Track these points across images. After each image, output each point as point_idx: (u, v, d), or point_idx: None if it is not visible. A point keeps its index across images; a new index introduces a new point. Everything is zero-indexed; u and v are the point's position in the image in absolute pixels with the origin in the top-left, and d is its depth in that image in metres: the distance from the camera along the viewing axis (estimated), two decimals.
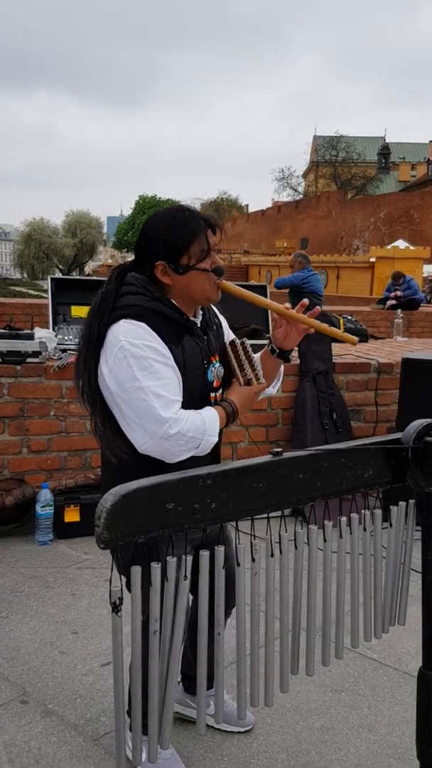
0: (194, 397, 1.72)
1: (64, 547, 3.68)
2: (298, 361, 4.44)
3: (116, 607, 0.96)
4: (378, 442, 1.09)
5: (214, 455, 1.79)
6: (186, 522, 0.89)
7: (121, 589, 1.01)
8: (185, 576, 1.08)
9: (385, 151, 66.52)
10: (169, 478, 0.88)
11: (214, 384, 1.80)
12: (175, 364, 1.65)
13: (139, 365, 1.58)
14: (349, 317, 6.53)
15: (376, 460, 1.07)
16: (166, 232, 1.65)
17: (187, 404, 1.68)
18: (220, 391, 1.83)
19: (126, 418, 1.63)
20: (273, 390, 2.03)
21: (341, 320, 6.17)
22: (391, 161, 66.76)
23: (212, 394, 1.79)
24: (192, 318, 1.75)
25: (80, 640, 2.74)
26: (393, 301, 11.32)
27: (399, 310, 7.95)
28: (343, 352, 5.02)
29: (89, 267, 58.04)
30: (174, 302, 1.70)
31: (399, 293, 11.56)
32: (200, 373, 1.74)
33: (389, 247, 27.51)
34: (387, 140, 69.68)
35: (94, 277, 7.06)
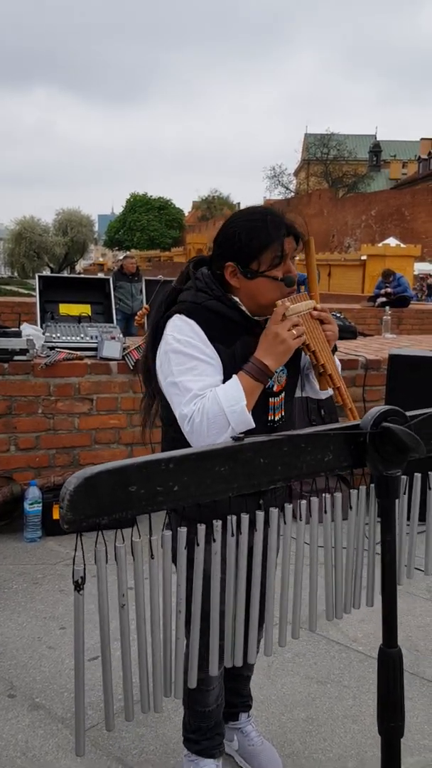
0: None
1: (53, 544, 3.69)
2: None
3: (78, 586, 0.99)
4: (337, 428, 1.12)
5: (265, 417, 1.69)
6: (148, 504, 0.92)
7: (84, 569, 1.04)
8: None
9: (376, 148, 66.71)
10: (132, 462, 0.91)
11: (274, 388, 1.70)
12: (219, 364, 1.60)
13: (177, 360, 1.58)
14: (338, 315, 6.55)
15: (336, 445, 1.10)
16: (242, 234, 1.60)
17: None
18: (282, 395, 1.73)
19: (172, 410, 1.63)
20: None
21: None
22: (382, 159, 66.97)
23: (271, 399, 1.69)
24: (258, 317, 1.66)
25: (68, 635, 2.76)
26: (383, 299, 11.39)
27: (387, 308, 8.00)
28: None
29: (80, 265, 57.98)
30: (238, 301, 1.64)
31: (389, 290, 11.63)
32: None
33: (380, 244, 27.62)
34: (378, 138, 69.86)
35: (83, 275, 7.07)
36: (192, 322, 1.60)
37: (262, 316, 1.66)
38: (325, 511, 1.17)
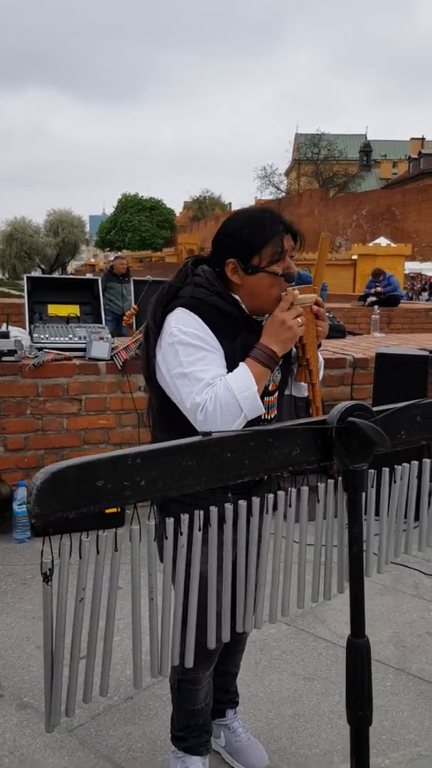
0: None
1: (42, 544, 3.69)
2: None
3: (47, 578, 1.01)
4: (304, 423, 1.14)
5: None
6: (116, 498, 0.93)
7: (52, 561, 1.05)
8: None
9: (366, 148, 66.88)
10: (99, 458, 0.93)
11: (270, 387, 1.72)
12: (223, 355, 1.62)
13: (185, 352, 1.59)
14: (327, 314, 6.59)
15: (303, 440, 1.12)
16: (242, 231, 1.64)
17: None
18: (276, 395, 1.77)
19: (179, 404, 1.63)
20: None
21: None
22: (373, 159, 67.14)
23: (266, 398, 1.70)
24: (257, 317, 1.69)
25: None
26: (373, 298, 11.43)
27: (376, 307, 8.03)
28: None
29: (72, 266, 57.89)
30: (238, 298, 1.67)
31: (379, 290, 11.68)
32: None
33: (371, 244, 27.70)
34: (368, 138, 70.05)
35: (71, 276, 7.07)
36: (197, 317, 1.62)
37: (260, 315, 1.69)
38: (290, 505, 1.19)
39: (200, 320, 1.61)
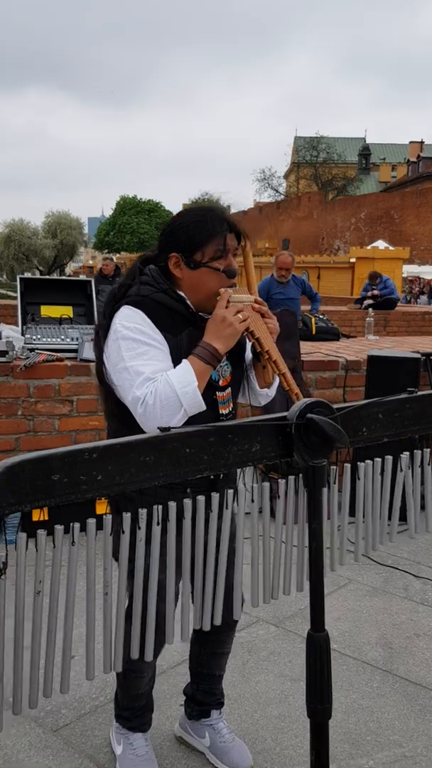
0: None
1: (32, 546, 3.69)
2: None
3: (0, 572, 1.02)
4: (263, 419, 1.15)
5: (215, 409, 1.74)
6: (72, 492, 0.94)
7: (7, 556, 1.06)
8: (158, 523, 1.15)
9: (365, 152, 66.98)
10: (55, 452, 0.94)
11: (220, 383, 1.76)
12: (168, 350, 1.66)
13: (126, 347, 1.63)
14: (321, 317, 6.60)
15: (263, 436, 1.12)
16: (187, 227, 1.69)
17: None
18: (229, 390, 1.79)
19: (123, 398, 1.67)
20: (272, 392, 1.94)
21: (313, 319, 6.24)
22: (372, 162, 67.24)
23: (217, 393, 1.75)
24: (202, 313, 1.72)
25: (42, 635, 2.76)
26: (370, 301, 11.45)
27: (371, 309, 8.04)
28: (313, 350, 5.09)
29: (70, 268, 57.87)
30: (183, 295, 1.72)
31: (376, 292, 11.69)
32: None
33: (369, 247, 27.72)
34: (367, 141, 70.16)
35: (63, 278, 7.08)
36: (139, 311, 1.67)
37: (204, 310, 1.72)
38: (253, 500, 1.19)
39: (144, 316, 1.66)
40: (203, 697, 2.15)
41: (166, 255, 1.72)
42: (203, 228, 1.68)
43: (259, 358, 1.77)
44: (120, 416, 1.71)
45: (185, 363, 1.61)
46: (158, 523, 1.13)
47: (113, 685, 2.45)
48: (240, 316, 1.63)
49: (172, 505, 1.16)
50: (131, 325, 1.65)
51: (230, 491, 1.22)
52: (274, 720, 2.34)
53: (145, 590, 1.22)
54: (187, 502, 1.20)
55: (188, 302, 1.72)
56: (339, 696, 2.47)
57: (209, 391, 1.69)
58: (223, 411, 1.77)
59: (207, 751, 2.14)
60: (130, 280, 1.76)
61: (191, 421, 1.61)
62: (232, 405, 1.80)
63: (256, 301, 1.72)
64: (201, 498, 1.18)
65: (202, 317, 1.72)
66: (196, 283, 1.70)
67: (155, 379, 1.59)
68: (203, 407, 1.60)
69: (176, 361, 1.64)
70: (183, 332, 1.68)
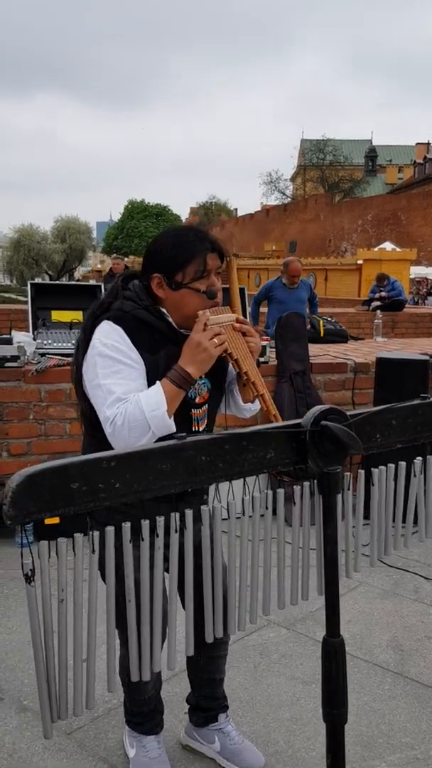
0: (175, 413, 1.70)
1: (44, 548, 3.72)
2: (275, 362, 4.51)
3: (29, 579, 1.03)
4: (278, 426, 1.16)
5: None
6: (91, 500, 0.96)
7: (32, 562, 1.08)
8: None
9: (371, 153, 66.90)
10: (74, 460, 0.95)
11: (196, 400, 1.78)
12: (143, 369, 1.68)
13: (102, 364, 1.65)
14: (329, 319, 6.61)
15: (278, 443, 1.14)
16: (168, 248, 1.71)
17: None
18: (206, 407, 1.82)
19: (98, 413, 1.69)
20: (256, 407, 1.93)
21: (321, 322, 6.25)
22: (378, 164, 67.14)
23: (193, 410, 1.78)
24: (184, 330, 1.73)
25: (57, 638, 2.78)
26: (377, 303, 11.43)
27: (379, 311, 8.03)
28: (321, 352, 5.10)
29: (79, 272, 58.03)
30: (164, 312, 1.73)
31: (384, 294, 11.68)
32: None
33: (376, 249, 27.70)
34: (373, 143, 70.08)
35: (73, 283, 7.11)
36: (118, 328, 1.68)
37: (187, 328, 1.72)
38: (266, 506, 1.21)
39: (123, 332, 1.67)
40: (207, 703, 2.16)
41: (149, 275, 1.74)
42: (184, 249, 1.69)
43: (239, 376, 1.78)
44: (92, 418, 1.73)
45: (157, 386, 1.63)
46: (129, 541, 1.13)
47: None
48: (216, 340, 1.64)
49: (145, 524, 1.18)
50: (109, 342, 1.66)
51: (204, 507, 1.23)
52: (286, 722, 2.35)
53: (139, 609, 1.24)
54: (160, 520, 1.21)
55: (170, 320, 1.74)
56: (351, 698, 2.45)
57: (185, 408, 1.72)
58: (198, 428, 1.80)
59: (217, 756, 2.13)
60: (111, 297, 1.77)
61: (163, 438, 1.60)
62: (207, 422, 1.83)
63: (237, 320, 1.73)
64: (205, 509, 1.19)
65: (183, 335, 1.73)
66: (178, 303, 1.71)
67: (126, 400, 1.61)
68: (172, 430, 1.61)
69: (153, 380, 1.66)
70: (161, 350, 1.70)
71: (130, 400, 1.61)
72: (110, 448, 1.59)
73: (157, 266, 1.72)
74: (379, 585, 3.38)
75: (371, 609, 3.14)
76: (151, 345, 1.69)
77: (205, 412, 1.82)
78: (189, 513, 1.17)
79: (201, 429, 1.81)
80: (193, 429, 1.79)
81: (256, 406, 1.89)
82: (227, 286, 1.88)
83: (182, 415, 1.69)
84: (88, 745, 2.21)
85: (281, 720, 2.36)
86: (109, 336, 1.67)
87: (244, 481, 1.18)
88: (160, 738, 2.10)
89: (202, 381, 1.78)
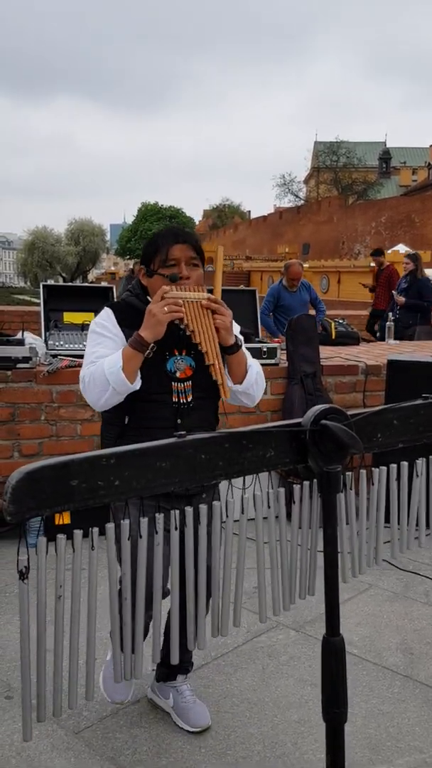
0: (154, 384, 2.00)
1: (53, 549, 3.73)
2: (286, 364, 4.50)
3: (23, 575, 1.04)
4: (278, 426, 1.16)
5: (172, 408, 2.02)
6: (90, 497, 0.96)
7: (28, 559, 1.08)
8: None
9: (385, 155, 66.65)
10: (74, 458, 0.96)
11: (177, 375, 2.03)
12: (122, 340, 1.99)
13: (90, 339, 2.06)
14: (341, 321, 6.57)
15: (278, 442, 1.14)
16: (146, 244, 2.09)
17: (147, 391, 1.98)
18: (189, 382, 2.03)
19: None
20: (241, 387, 2.10)
21: (333, 324, 6.23)
22: (392, 166, 66.87)
23: (174, 383, 2.02)
24: None
25: (65, 638, 2.79)
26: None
27: (390, 314, 7.99)
28: (333, 354, 5.08)
29: (92, 274, 58.27)
30: (149, 299, 2.04)
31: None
32: (159, 360, 2.01)
33: (390, 251, 27.56)
34: (387, 145, 69.82)
35: (85, 284, 7.14)
36: (110, 311, 2.08)
37: None
38: (269, 506, 1.20)
39: (111, 314, 2.06)
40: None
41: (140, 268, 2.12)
42: (153, 242, 2.05)
43: (229, 353, 2.00)
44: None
45: (119, 351, 1.94)
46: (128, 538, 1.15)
47: (135, 687, 2.48)
48: (166, 308, 1.89)
49: (145, 520, 1.20)
50: (99, 321, 2.06)
51: (203, 506, 1.26)
52: (294, 724, 2.34)
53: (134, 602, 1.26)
54: (159, 517, 1.25)
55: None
56: (359, 701, 2.47)
57: (166, 379, 2.01)
58: (182, 399, 2.02)
59: (171, 711, 2.33)
60: (120, 293, 2.16)
61: (149, 408, 1.99)
62: (192, 396, 2.03)
63: (208, 299, 1.96)
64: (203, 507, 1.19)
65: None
66: (153, 287, 2.03)
67: (96, 363, 1.96)
68: (126, 385, 1.91)
69: None
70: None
71: (97, 363, 1.95)
72: (117, 431, 2.03)
73: (142, 260, 2.10)
74: (388, 588, 3.36)
75: (381, 612, 3.13)
76: (132, 323, 1.98)
77: (189, 387, 2.04)
78: (189, 511, 1.18)
79: (185, 401, 2.02)
80: (179, 400, 2.02)
81: (245, 388, 2.08)
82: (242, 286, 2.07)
83: (163, 386, 2.00)
84: (95, 745, 2.21)
85: (289, 722, 2.36)
86: (101, 317, 2.07)
87: (256, 478, 1.20)
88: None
89: (181, 357, 2.03)
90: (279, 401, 4.46)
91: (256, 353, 4.41)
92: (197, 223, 72.66)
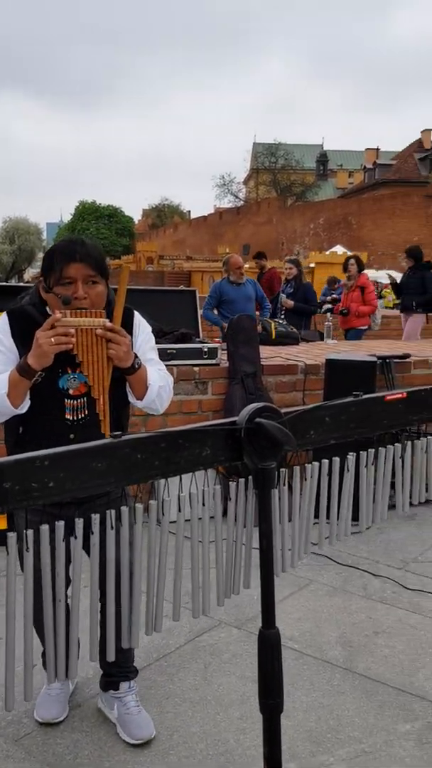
0: (46, 400, 1.95)
1: None
2: (227, 364, 4.53)
3: None
4: (214, 424, 1.18)
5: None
6: (24, 499, 0.95)
7: None
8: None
9: (323, 158, 67.91)
10: (6, 460, 0.95)
11: (71, 392, 1.98)
12: (14, 355, 1.94)
13: None
14: (280, 321, 6.67)
15: (214, 440, 1.16)
16: (45, 256, 1.97)
17: (39, 406, 1.94)
18: (84, 399, 1.97)
19: None
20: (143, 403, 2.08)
21: (273, 324, 6.30)
22: (329, 168, 68.17)
23: (67, 401, 1.97)
24: None
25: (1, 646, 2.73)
26: (329, 305, 11.61)
27: (329, 314, 8.16)
28: (273, 354, 5.15)
29: (28, 274, 57.14)
30: (48, 311, 1.95)
31: (335, 297, 11.87)
32: (51, 378, 1.94)
33: (328, 252, 28.07)
34: (324, 148, 71.14)
35: (20, 284, 6.99)
36: (6, 321, 1.98)
37: None
38: (204, 504, 1.22)
39: (7, 324, 1.97)
40: (110, 669, 2.29)
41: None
42: (50, 257, 1.93)
43: (127, 375, 1.95)
44: None
45: (6, 373, 1.88)
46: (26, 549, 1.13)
47: (74, 692, 2.45)
48: (53, 339, 1.78)
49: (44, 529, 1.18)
50: None
51: (96, 516, 1.23)
52: (236, 721, 2.36)
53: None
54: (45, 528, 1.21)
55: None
56: (300, 695, 2.51)
57: (58, 396, 1.96)
58: (77, 416, 1.99)
59: (116, 721, 2.28)
60: (24, 294, 2.08)
61: (42, 421, 1.96)
62: (87, 412, 1.99)
63: (104, 326, 1.85)
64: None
65: None
66: (51, 302, 1.95)
67: None
68: (11, 409, 1.87)
69: None
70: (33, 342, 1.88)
71: None
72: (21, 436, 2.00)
73: (42, 272, 1.97)
74: (328, 582, 3.43)
75: (321, 606, 3.18)
76: (27, 336, 1.88)
77: (84, 404, 1.99)
78: (95, 518, 1.16)
79: (78, 418, 1.99)
80: (70, 418, 1.98)
81: (147, 403, 2.04)
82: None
83: (56, 404, 1.96)
84: (35, 752, 2.18)
85: (231, 719, 2.37)
86: None
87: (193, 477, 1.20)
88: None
89: (74, 375, 1.97)
90: (220, 401, 4.48)
91: (197, 354, 4.42)
92: (136, 222, 72.20)
